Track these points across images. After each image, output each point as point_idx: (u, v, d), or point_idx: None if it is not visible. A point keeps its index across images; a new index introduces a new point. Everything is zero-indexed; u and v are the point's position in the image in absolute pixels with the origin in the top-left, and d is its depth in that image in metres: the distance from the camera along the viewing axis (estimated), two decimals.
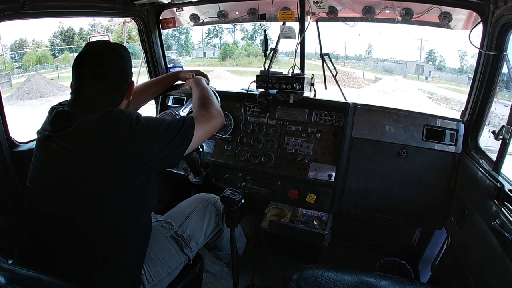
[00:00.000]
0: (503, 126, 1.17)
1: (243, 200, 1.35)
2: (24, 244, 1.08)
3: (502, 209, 1.07)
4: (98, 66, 1.04)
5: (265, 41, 1.69)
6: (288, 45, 1.90)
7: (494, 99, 1.43)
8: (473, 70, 1.48)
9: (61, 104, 1.11)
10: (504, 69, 1.35)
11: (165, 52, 2.20)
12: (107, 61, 1.05)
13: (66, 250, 1.02)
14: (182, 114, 1.57)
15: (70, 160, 0.98)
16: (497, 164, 1.23)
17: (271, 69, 1.75)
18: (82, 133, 0.98)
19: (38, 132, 1.10)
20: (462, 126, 1.52)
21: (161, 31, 2.13)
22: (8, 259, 0.75)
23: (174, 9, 2.06)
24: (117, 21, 2.82)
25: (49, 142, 1.01)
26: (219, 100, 1.49)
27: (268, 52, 1.72)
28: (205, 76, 1.58)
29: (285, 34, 1.76)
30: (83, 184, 0.98)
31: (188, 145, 1.10)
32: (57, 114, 1.04)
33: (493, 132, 1.24)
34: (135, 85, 1.15)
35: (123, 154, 0.98)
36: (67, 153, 0.98)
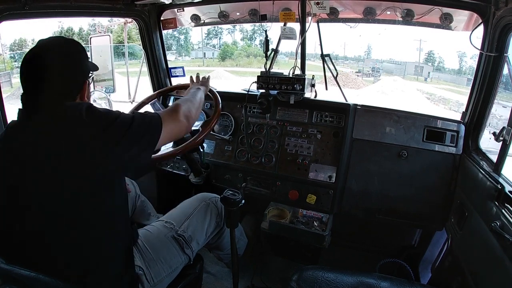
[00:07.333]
0: (503, 128, 1.17)
1: (243, 201, 1.34)
2: (23, 243, 1.08)
3: (503, 210, 1.07)
4: (40, 69, 0.95)
5: (266, 42, 1.69)
6: (287, 46, 1.90)
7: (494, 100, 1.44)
8: (472, 71, 1.49)
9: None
10: (505, 71, 1.35)
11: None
12: (51, 63, 0.96)
13: (62, 250, 1.01)
14: None
15: (34, 161, 0.92)
16: (497, 166, 1.23)
17: (271, 70, 1.75)
18: (38, 135, 0.92)
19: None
20: (462, 128, 1.52)
21: (162, 31, 2.13)
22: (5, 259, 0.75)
23: (175, 9, 2.06)
24: (117, 21, 2.82)
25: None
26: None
27: (268, 52, 1.72)
28: (206, 86, 1.57)
29: (286, 35, 1.76)
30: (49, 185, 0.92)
31: (154, 145, 1.03)
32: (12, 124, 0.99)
33: (494, 134, 1.24)
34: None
35: (82, 151, 0.90)
36: (28, 156, 0.92)
